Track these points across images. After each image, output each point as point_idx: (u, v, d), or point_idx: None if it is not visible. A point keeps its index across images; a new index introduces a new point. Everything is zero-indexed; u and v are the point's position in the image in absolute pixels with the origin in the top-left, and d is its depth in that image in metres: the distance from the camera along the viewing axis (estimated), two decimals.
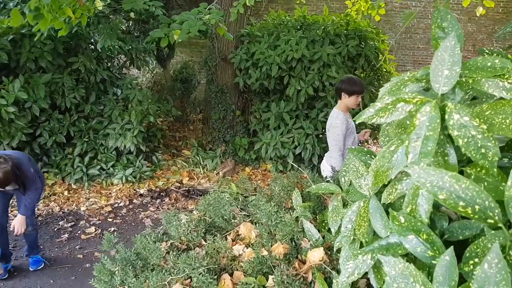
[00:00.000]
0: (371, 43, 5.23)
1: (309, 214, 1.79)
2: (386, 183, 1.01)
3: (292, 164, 5.44)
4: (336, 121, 2.97)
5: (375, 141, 6.48)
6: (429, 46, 10.28)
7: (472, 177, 0.91)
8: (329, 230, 1.74)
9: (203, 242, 2.01)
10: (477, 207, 0.77)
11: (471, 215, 0.78)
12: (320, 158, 5.25)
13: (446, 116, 0.86)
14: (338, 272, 1.45)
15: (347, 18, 5.41)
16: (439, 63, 0.94)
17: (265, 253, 1.63)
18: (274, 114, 5.50)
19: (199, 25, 3.80)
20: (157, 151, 5.91)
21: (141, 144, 5.30)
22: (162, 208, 4.60)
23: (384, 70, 5.64)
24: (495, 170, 0.84)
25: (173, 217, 2.24)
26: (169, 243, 2.04)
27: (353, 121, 2.99)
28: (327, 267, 1.47)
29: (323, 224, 1.75)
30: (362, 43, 5.23)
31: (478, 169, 0.90)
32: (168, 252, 1.90)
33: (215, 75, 5.99)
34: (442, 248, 0.86)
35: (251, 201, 2.47)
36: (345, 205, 1.48)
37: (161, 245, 1.95)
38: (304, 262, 1.65)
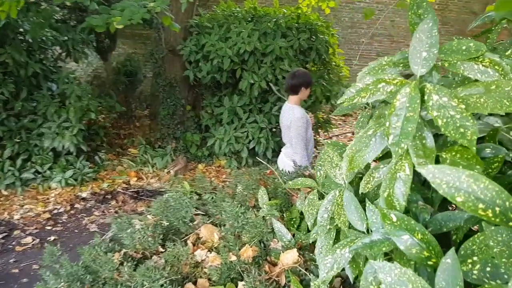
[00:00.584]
0: (322, 36, 5.23)
1: (276, 213, 1.67)
2: (362, 167, 0.98)
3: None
4: (298, 116, 2.90)
5: (325, 133, 6.55)
6: (373, 41, 10.68)
7: (448, 161, 0.88)
8: (298, 228, 1.63)
9: (161, 249, 1.81)
10: (497, 209, 0.71)
11: (492, 219, 0.72)
12: (275, 152, 5.18)
13: (426, 97, 0.85)
14: (313, 273, 1.35)
15: (298, 11, 5.36)
16: (417, 45, 0.93)
17: (233, 258, 1.48)
18: (227, 108, 5.33)
19: (142, 12, 3.52)
20: (100, 151, 5.50)
21: (81, 144, 4.88)
22: (109, 212, 4.26)
23: (334, 63, 5.68)
24: (474, 148, 0.81)
25: (125, 223, 2.00)
26: (122, 253, 1.80)
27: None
28: (302, 269, 1.36)
29: (292, 222, 1.65)
30: (313, 36, 5.21)
31: (453, 153, 0.89)
32: (122, 263, 1.68)
33: (163, 68, 5.68)
34: (438, 247, 0.80)
35: (212, 200, 2.29)
36: (320, 198, 1.41)
37: (113, 255, 1.72)
38: (274, 264, 1.52)
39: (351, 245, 0.91)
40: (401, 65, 1.00)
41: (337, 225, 1.09)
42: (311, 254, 1.36)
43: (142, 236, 1.78)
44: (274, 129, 5.27)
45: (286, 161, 3.00)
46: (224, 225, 1.90)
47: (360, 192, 0.99)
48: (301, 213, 1.61)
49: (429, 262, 0.77)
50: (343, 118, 8.27)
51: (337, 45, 5.59)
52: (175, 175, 5.20)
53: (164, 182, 5.06)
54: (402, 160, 0.85)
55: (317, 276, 1.28)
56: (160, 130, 5.98)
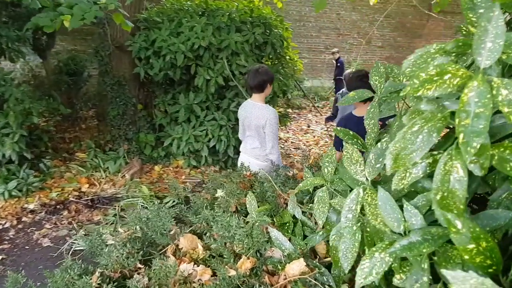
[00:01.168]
0: (276, 30, 5.20)
1: (267, 219, 1.59)
2: (409, 166, 0.90)
3: (205, 158, 5.17)
4: (272, 115, 2.82)
5: (282, 127, 6.58)
6: (321, 34, 10.89)
7: (496, 158, 0.83)
8: (293, 233, 1.56)
9: (139, 265, 1.67)
10: None
11: None
12: (236, 149, 5.10)
13: (494, 92, 0.78)
14: (319, 281, 1.29)
15: (251, 5, 5.28)
16: (482, 34, 0.84)
17: (232, 273, 1.38)
18: (183, 106, 5.14)
19: (94, 10, 3.24)
20: (45, 157, 5.07)
21: (24, 151, 4.46)
22: (61, 224, 3.93)
23: (288, 57, 5.69)
24: None
25: (97, 239, 1.83)
26: (98, 273, 1.64)
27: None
28: (312, 279, 1.29)
29: (285, 227, 1.57)
30: (267, 30, 5.17)
31: (502, 149, 0.83)
32: (99, 286, 1.52)
33: (110, 66, 5.35)
34: (498, 254, 0.76)
35: (186, 207, 2.17)
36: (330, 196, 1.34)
37: (90, 279, 1.55)
38: (272, 274, 1.45)
39: (390, 248, 0.86)
40: (454, 54, 0.93)
41: (362, 225, 1.03)
42: (314, 261, 1.31)
43: (121, 254, 1.63)
44: (232, 126, 5.17)
45: (257, 163, 2.91)
46: (206, 234, 1.80)
47: (393, 188, 0.92)
48: (294, 217, 1.55)
49: (490, 270, 0.74)
50: (297, 111, 8.37)
51: (290, 39, 5.60)
52: (131, 179, 4.93)
53: (120, 187, 4.77)
54: (452, 160, 0.80)
55: (329, 286, 1.23)
56: (110, 132, 5.64)
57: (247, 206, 1.65)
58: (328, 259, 1.33)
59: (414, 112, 0.94)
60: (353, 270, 1.29)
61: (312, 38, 10.53)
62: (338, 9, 10.83)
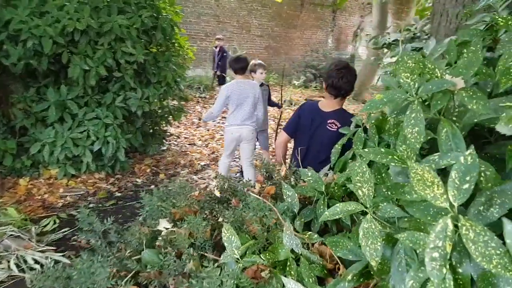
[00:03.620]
0: (165, 14, 4.62)
1: (258, 259, 1.22)
2: None
3: (88, 164, 4.33)
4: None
5: (175, 122, 6.02)
6: (200, 21, 10.38)
7: None
8: (299, 277, 1.18)
9: None
10: None
11: None
12: (126, 150, 4.41)
13: None
14: None
15: None
16: None
17: None
18: (53, 103, 4.18)
19: None
20: None
21: None
22: None
23: (177, 44, 5.16)
24: None
25: None
26: None
27: None
28: None
29: (286, 268, 1.17)
30: (155, 14, 4.55)
31: None
32: None
33: None
34: None
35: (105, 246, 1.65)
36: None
37: None
38: None
39: None
40: None
41: (451, 266, 0.75)
42: None
43: None
44: (120, 124, 4.44)
45: (249, 128, 3.78)
46: (152, 284, 1.35)
47: None
48: (292, 251, 1.19)
49: None
50: (183, 103, 7.80)
51: (180, 24, 5.08)
52: None
53: None
54: None
55: None
56: None
57: (225, 243, 1.23)
58: None
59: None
60: None
61: (191, 24, 9.98)
62: None
